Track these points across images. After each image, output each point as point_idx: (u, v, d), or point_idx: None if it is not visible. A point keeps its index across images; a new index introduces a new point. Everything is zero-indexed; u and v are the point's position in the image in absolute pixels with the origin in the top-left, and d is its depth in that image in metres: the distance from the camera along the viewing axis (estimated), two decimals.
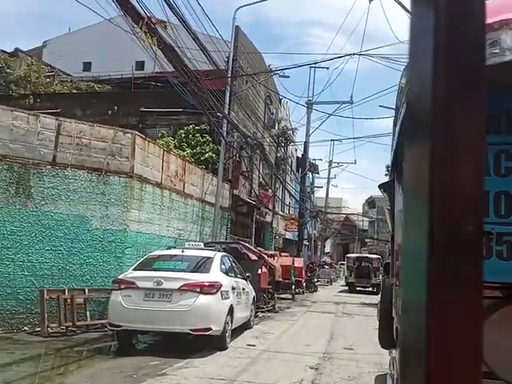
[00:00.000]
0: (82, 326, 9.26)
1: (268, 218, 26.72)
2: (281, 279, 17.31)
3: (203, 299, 7.74)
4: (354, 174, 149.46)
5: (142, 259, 9.03)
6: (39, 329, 8.77)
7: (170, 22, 8.84)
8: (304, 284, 25.61)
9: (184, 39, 11.84)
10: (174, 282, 7.77)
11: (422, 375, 0.65)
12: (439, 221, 0.66)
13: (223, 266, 9.03)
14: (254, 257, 13.92)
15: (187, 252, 9.01)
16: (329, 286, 34.56)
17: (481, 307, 0.68)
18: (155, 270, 8.27)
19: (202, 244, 10.07)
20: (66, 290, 9.26)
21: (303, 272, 25.05)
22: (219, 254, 9.28)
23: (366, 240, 65.82)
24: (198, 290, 7.77)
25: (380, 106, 23.60)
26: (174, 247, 10.20)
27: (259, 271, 13.32)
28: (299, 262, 24.03)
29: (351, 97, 29.07)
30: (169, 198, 12.82)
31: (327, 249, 63.76)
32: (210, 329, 7.71)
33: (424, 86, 0.69)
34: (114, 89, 23.66)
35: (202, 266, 8.61)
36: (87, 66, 30.78)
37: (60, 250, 9.80)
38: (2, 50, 23.86)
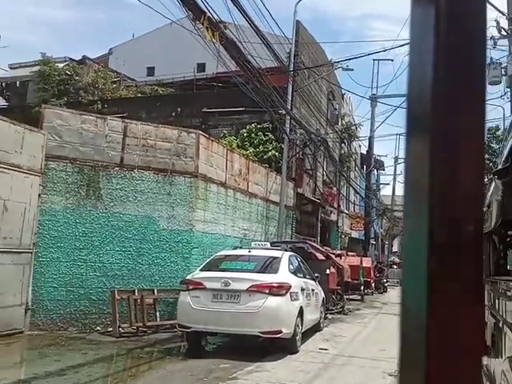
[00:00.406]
0: (151, 326, 9.29)
1: (333, 217, 26.11)
2: (349, 280, 16.73)
3: (272, 301, 7.46)
4: None
5: (208, 259, 8.91)
6: (111, 329, 8.87)
7: (231, 14, 8.66)
8: (373, 285, 24.80)
9: (245, 36, 11.66)
10: (241, 282, 7.55)
11: (422, 375, 0.65)
12: (439, 221, 0.66)
13: (291, 267, 8.72)
14: (321, 256, 13.49)
15: (254, 252, 8.78)
16: (398, 287, 33.27)
17: (481, 307, 0.69)
18: (222, 270, 8.10)
19: (269, 244, 9.81)
20: (136, 291, 9.32)
21: (372, 272, 24.25)
22: (287, 254, 8.97)
23: None
24: (267, 291, 7.50)
25: None
26: (240, 247, 10.01)
27: (327, 271, 12.87)
28: (367, 262, 23.27)
29: None
30: (233, 198, 12.68)
31: (395, 248, 61.73)
32: (281, 331, 7.42)
33: (424, 86, 0.70)
34: (177, 91, 24.05)
35: (269, 266, 8.34)
36: (151, 71, 31.59)
37: (129, 250, 9.91)
38: (71, 59, 24.94)
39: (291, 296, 7.82)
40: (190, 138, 10.73)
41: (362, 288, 20.46)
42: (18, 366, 6.86)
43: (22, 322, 8.49)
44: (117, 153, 10.08)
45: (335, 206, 25.94)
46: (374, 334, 10.93)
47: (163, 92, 23.91)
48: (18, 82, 26.31)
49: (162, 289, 9.88)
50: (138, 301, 9.19)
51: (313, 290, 9.61)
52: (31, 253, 8.85)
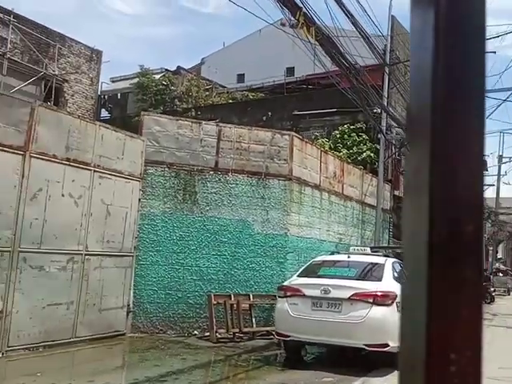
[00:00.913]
0: (247, 332, 9.11)
1: None
2: None
3: (377, 311, 6.91)
4: None
5: (305, 265, 8.54)
6: (208, 334, 8.82)
7: (329, 7, 8.28)
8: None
9: (339, 32, 11.18)
10: (342, 290, 7.09)
11: (422, 375, 0.66)
12: (439, 221, 0.66)
13: (395, 274, 8.08)
14: None
15: (353, 257, 8.26)
16: (506, 297, 30.61)
17: (481, 307, 0.69)
18: (321, 276, 7.69)
19: (369, 249, 9.23)
20: (232, 296, 9.20)
21: None
22: (390, 260, 8.34)
23: None
24: (371, 300, 6.97)
25: None
26: (338, 252, 9.53)
27: None
28: None
29: None
30: (328, 201, 12.22)
31: (499, 254, 57.12)
32: (387, 345, 6.84)
33: (424, 86, 0.70)
34: (267, 96, 24.05)
35: (371, 273, 7.79)
36: (241, 78, 32.08)
37: (224, 254, 9.84)
38: (167, 69, 25.97)
39: (397, 306, 7.21)
40: (283, 140, 10.47)
41: None
42: (120, 369, 6.98)
43: (123, 324, 8.71)
44: (211, 157, 10.08)
45: None
46: (490, 350, 9.86)
47: (253, 97, 24.05)
48: (119, 94, 27.90)
49: (257, 294, 9.68)
50: (234, 306, 9.06)
51: None
52: (132, 256, 9.07)
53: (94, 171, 8.36)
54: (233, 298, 9.10)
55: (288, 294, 7.45)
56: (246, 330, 9.02)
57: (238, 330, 8.88)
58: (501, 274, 35.00)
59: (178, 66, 27.10)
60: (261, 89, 25.95)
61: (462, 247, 0.67)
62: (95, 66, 21.87)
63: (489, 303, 24.13)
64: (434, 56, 0.68)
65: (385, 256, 8.78)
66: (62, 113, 8.19)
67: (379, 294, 7.02)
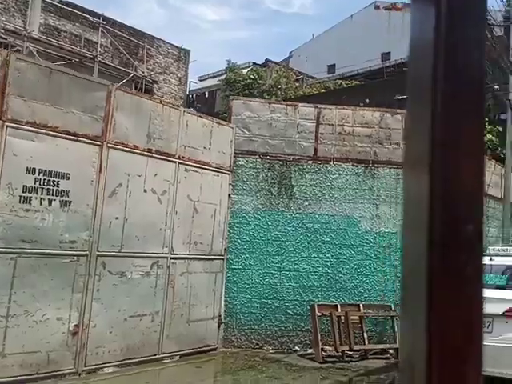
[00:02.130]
0: (359, 350, 7.61)
1: None
2: None
3: None
4: None
5: None
6: (311, 350, 7.47)
7: None
8: None
9: None
10: (492, 303, 5.38)
11: (422, 375, 0.65)
12: (439, 220, 0.66)
13: None
14: None
15: (498, 260, 6.44)
16: None
17: (481, 307, 0.68)
18: None
19: None
20: (339, 306, 7.76)
21: None
22: None
23: None
24: None
25: None
26: None
27: None
28: None
29: None
30: None
31: None
32: None
33: (424, 86, 0.70)
34: (363, 82, 22.21)
35: None
36: (331, 68, 30.46)
37: (327, 257, 8.42)
38: (254, 63, 25.05)
39: None
40: (394, 121, 8.82)
41: None
42: None
43: (215, 337, 7.62)
44: (310, 144, 8.71)
45: None
46: None
47: (347, 85, 22.32)
48: (206, 93, 27.51)
49: (369, 304, 8.15)
50: (342, 318, 7.61)
51: None
52: (223, 259, 7.97)
53: (179, 163, 7.37)
54: (340, 309, 7.66)
55: None
56: (356, 347, 7.53)
57: (347, 348, 7.42)
58: None
59: (266, 59, 26.08)
60: (355, 76, 24.15)
61: (463, 246, 0.66)
62: (183, 65, 21.47)
63: None
64: (434, 56, 0.68)
65: None
66: (142, 97, 7.28)
67: None
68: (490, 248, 7.30)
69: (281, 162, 8.59)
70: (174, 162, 7.31)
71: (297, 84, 23.00)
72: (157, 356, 6.65)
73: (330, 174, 8.65)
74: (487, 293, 5.48)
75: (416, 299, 0.68)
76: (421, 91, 0.71)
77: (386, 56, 26.47)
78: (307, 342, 7.88)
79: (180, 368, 6.55)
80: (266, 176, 8.54)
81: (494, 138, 14.00)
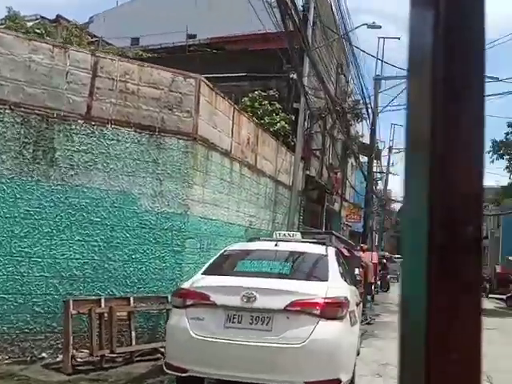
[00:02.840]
0: (123, 353, 6.26)
1: (336, 206, 23.22)
2: (373, 280, 13.90)
3: (326, 328, 4.51)
4: None
5: (215, 257, 5.86)
6: (62, 358, 5.83)
7: None
8: (379, 283, 22.25)
9: None
10: (274, 296, 4.59)
11: (421, 375, 0.65)
12: (439, 221, 0.66)
13: (341, 270, 5.77)
14: (346, 252, 10.60)
15: (283, 246, 5.78)
16: (396, 283, 30.89)
17: (480, 307, 0.68)
18: (240, 274, 5.10)
19: (299, 234, 6.81)
20: (103, 300, 6.26)
21: (377, 269, 21.66)
22: (332, 250, 6.02)
23: None
24: (317, 311, 4.54)
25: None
26: (258, 239, 7.02)
27: (356, 271, 10.01)
28: (374, 258, 20.52)
29: None
30: (239, 174, 9.67)
31: (383, 242, 59.36)
32: (339, 381, 4.47)
33: (424, 86, 0.70)
34: (164, 56, 20.85)
35: (313, 269, 5.39)
36: (135, 41, 28.36)
37: (96, 240, 6.84)
38: (43, 17, 21.57)
39: (350, 318, 4.88)
40: (187, 85, 7.66)
41: (373, 288, 17.82)
42: None
43: None
44: (82, 98, 6.96)
45: (339, 193, 23.07)
46: None
47: (148, 57, 20.69)
48: None
49: (141, 297, 6.85)
50: (105, 315, 6.14)
51: (360, 302, 6.71)
52: None
53: None
54: (103, 304, 6.17)
55: (189, 302, 4.75)
56: (120, 349, 6.15)
57: (108, 351, 5.99)
58: (385, 261, 35.54)
59: (58, 15, 22.71)
60: (158, 50, 22.70)
61: (462, 248, 0.66)
62: None
63: (385, 292, 23.55)
64: (433, 56, 0.67)
65: (321, 243, 6.43)
66: None
67: (329, 301, 4.61)
68: (276, 233, 6.69)
69: (40, 118, 6.64)
70: None
71: (92, 47, 20.43)
72: None
73: (106, 138, 7.06)
74: (270, 283, 4.68)
75: (415, 301, 0.69)
76: (420, 93, 0.71)
77: (192, 36, 25.69)
78: (59, 346, 6.20)
79: None
80: (18, 133, 6.51)
81: (286, 125, 14.13)
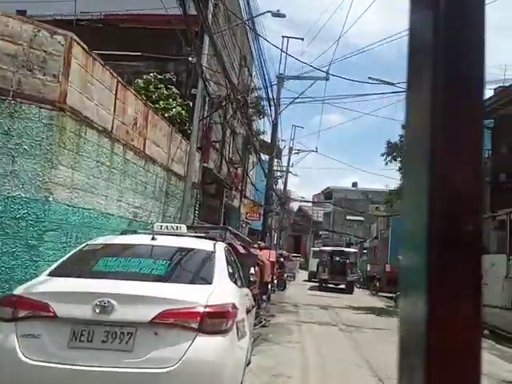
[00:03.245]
0: None
1: (236, 203, 22.49)
2: (270, 280, 13.24)
3: (206, 345, 3.50)
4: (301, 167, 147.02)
5: (70, 253, 4.59)
6: None
7: None
8: (276, 281, 21.88)
9: None
10: (139, 305, 3.49)
11: (421, 375, 0.65)
12: (439, 220, 0.66)
13: (230, 270, 4.81)
14: (242, 249, 9.75)
15: (162, 240, 4.69)
16: (292, 282, 31.05)
17: (480, 307, 0.68)
18: (97, 276, 3.92)
19: (185, 227, 5.73)
20: None
21: (275, 267, 21.29)
22: (221, 246, 5.04)
23: (321, 232, 63.36)
24: (195, 324, 3.52)
25: (370, 77, 20.10)
26: (135, 232, 5.84)
27: (252, 271, 9.18)
28: (272, 256, 20.09)
29: (327, 72, 25.61)
30: (123, 158, 8.37)
31: (281, 241, 60.31)
32: None
33: (424, 86, 0.70)
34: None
35: (195, 269, 4.36)
36: (21, 13, 25.40)
37: None
38: None
39: (238, 330, 3.93)
40: (54, 43, 6.26)
41: (269, 287, 17.29)
42: None
43: None
44: None
45: (239, 189, 22.36)
46: (325, 367, 7.44)
47: None
48: None
49: None
50: None
51: (249, 307, 5.80)
52: None
53: None
54: None
55: (20, 313, 3.49)
56: None
57: None
58: (282, 259, 35.86)
59: None
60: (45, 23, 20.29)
61: (462, 245, 0.66)
62: None
63: (282, 290, 23.29)
64: (433, 56, 0.67)
65: (209, 238, 5.44)
66: None
67: (211, 310, 3.60)
68: (157, 225, 5.55)
69: None
70: None
71: None
72: None
73: None
74: (134, 287, 3.57)
75: (416, 298, 0.68)
76: (420, 92, 0.71)
77: (84, 9, 23.49)
78: None
79: None
80: None
81: (183, 112, 13.00)
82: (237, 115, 15.95)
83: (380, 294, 25.30)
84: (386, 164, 18.17)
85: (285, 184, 42.28)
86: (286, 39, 28.51)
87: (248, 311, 4.84)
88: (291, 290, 24.50)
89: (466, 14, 0.68)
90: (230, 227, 8.68)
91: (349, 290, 25.67)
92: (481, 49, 0.69)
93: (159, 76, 14.14)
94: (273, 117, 27.63)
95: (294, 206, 59.51)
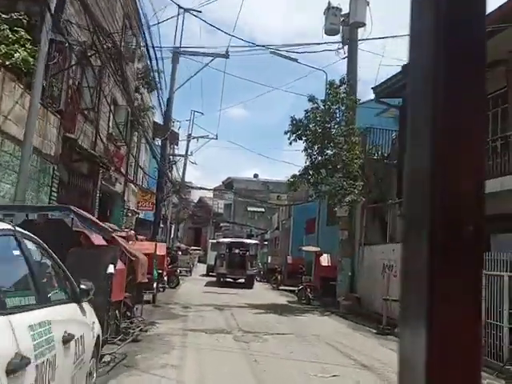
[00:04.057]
0: None
1: (118, 188, 19.17)
2: (146, 279, 10.45)
3: None
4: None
5: None
6: None
7: None
8: (165, 278, 19.12)
9: None
10: None
11: (422, 375, 0.65)
12: (440, 221, 0.66)
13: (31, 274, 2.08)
14: (99, 240, 6.93)
15: None
16: (189, 277, 28.47)
17: (480, 307, 0.67)
18: None
19: None
20: None
21: (165, 262, 18.53)
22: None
23: (221, 224, 61.35)
24: None
25: (272, 52, 18.05)
26: None
27: (110, 269, 6.43)
28: (162, 249, 17.27)
29: (227, 51, 23.39)
30: None
31: (179, 233, 57.22)
32: None
33: (424, 86, 0.70)
34: None
35: None
36: None
37: None
38: None
39: None
40: None
41: (155, 286, 14.54)
42: None
43: None
44: None
45: (123, 172, 19.08)
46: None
47: None
48: None
49: None
50: None
51: (71, 334, 3.15)
52: None
53: None
54: None
55: None
56: None
57: None
58: (180, 253, 33.22)
59: None
60: None
61: (463, 248, 0.66)
62: None
63: (174, 287, 20.53)
64: (433, 56, 0.67)
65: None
66: None
67: None
68: None
69: None
70: None
71: None
72: None
73: None
74: None
75: (417, 301, 0.68)
76: (421, 89, 0.71)
77: None
78: None
79: None
80: None
81: (31, 59, 9.76)
82: (107, 70, 12.79)
83: (281, 287, 23.58)
84: (290, 144, 16.11)
85: (183, 171, 39.36)
86: (182, 10, 25.67)
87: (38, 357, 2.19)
88: (185, 287, 21.87)
89: (467, 13, 0.67)
90: (73, 207, 5.84)
91: (249, 285, 23.66)
92: (482, 47, 0.69)
93: (4, 15, 10.73)
94: (165, 95, 24.61)
95: (195, 197, 56.65)
